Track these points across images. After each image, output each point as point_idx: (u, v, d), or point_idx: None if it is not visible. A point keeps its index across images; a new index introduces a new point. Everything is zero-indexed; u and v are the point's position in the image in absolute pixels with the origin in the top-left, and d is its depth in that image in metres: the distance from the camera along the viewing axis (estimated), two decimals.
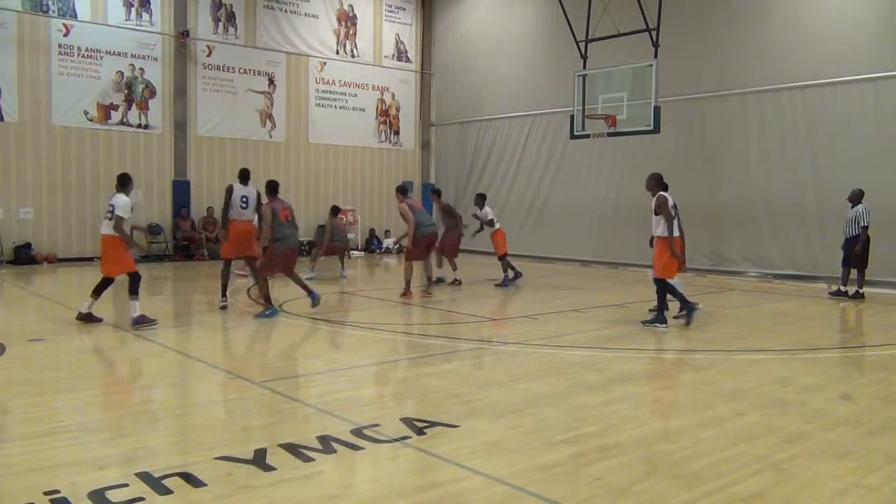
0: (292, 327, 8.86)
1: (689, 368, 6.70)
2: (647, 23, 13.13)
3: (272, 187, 9.60)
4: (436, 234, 11.81)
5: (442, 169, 22.23)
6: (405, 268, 11.34)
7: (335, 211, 14.13)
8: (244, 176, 9.88)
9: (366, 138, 20.97)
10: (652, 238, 8.88)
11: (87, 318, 8.54)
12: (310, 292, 9.49)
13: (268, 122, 19.07)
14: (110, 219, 8.33)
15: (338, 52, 20.30)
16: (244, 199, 9.58)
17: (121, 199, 8.40)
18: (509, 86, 19.84)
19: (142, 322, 8.36)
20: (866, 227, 11.30)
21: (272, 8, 19.02)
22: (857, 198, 11.48)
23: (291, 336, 8.42)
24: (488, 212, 13.23)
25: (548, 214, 18.62)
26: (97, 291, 8.54)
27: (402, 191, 11.70)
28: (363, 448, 4.34)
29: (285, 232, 9.26)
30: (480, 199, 13.41)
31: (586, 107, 13.98)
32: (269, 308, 9.13)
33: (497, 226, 13.20)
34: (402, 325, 9.33)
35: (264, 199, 9.57)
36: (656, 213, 8.64)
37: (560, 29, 16.09)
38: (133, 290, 8.42)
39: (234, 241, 9.58)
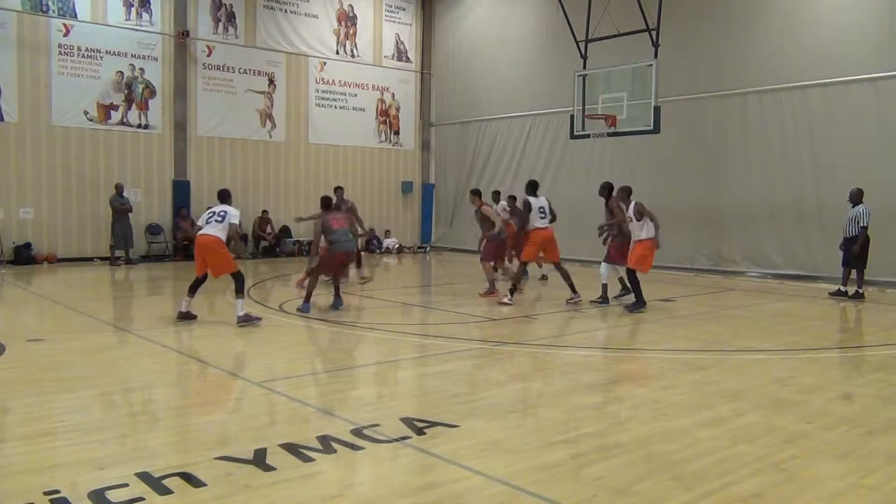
0: (292, 327, 8.86)
1: (689, 368, 6.70)
2: (647, 23, 13.12)
3: (325, 202, 10.38)
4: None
5: (442, 169, 22.23)
6: (486, 268, 11.76)
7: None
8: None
9: (366, 138, 20.97)
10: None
11: (186, 317, 8.77)
12: (337, 295, 9.94)
13: (268, 122, 19.07)
14: (220, 221, 8.56)
15: (338, 52, 20.30)
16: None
17: (234, 209, 8.78)
18: (509, 86, 19.84)
19: (247, 320, 8.50)
20: (865, 228, 11.29)
21: (272, 8, 19.02)
22: (856, 197, 11.47)
23: (291, 336, 8.42)
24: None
25: None
26: (192, 290, 8.81)
27: (478, 193, 12.14)
28: (363, 448, 4.34)
29: (338, 238, 9.74)
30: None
31: (586, 107, 13.97)
32: (305, 305, 9.59)
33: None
34: (401, 325, 9.33)
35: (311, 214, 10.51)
36: (637, 219, 9.77)
37: (560, 29, 16.09)
38: (239, 290, 8.65)
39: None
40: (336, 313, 9.56)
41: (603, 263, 10.88)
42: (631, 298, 10.24)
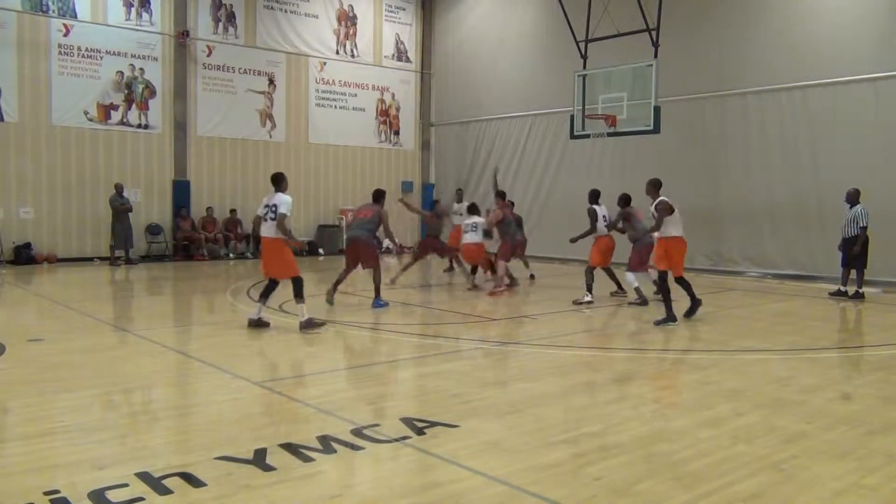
0: (292, 327, 8.86)
1: (689, 368, 6.70)
2: (647, 23, 13.13)
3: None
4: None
5: (442, 169, 22.23)
6: (500, 266, 11.92)
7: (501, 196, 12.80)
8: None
9: (366, 138, 20.97)
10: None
11: (259, 324, 8.34)
12: (335, 289, 10.24)
13: (268, 122, 19.07)
14: (273, 219, 8.12)
15: (338, 52, 20.30)
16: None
17: (285, 197, 8.22)
18: (509, 86, 19.84)
19: (310, 326, 8.16)
20: (865, 228, 11.29)
21: (272, 8, 19.02)
22: (853, 198, 11.45)
23: (291, 336, 8.41)
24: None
25: (548, 214, 18.61)
26: (265, 295, 8.41)
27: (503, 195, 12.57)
28: (363, 448, 4.34)
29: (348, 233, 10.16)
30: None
31: (586, 107, 13.98)
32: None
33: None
34: (401, 325, 9.32)
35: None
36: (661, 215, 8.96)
37: (560, 29, 16.09)
38: (298, 294, 8.23)
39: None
40: (327, 309, 9.57)
41: (628, 273, 10.60)
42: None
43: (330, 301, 10.05)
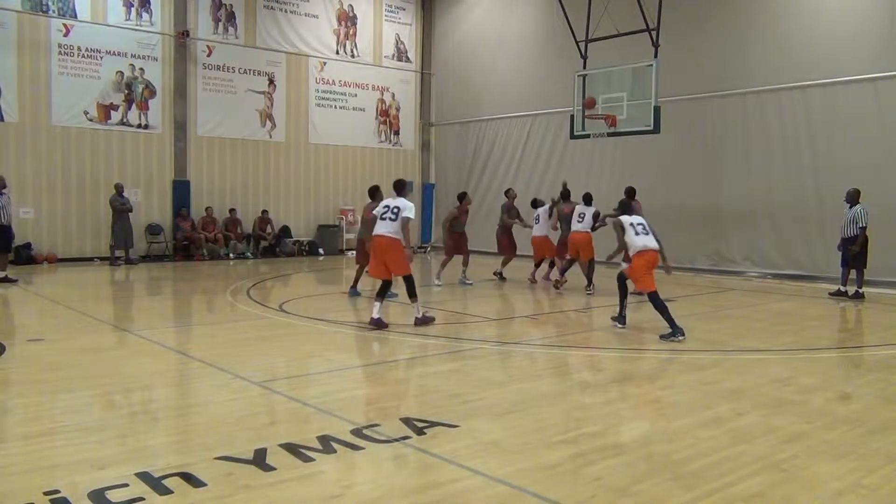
0: (292, 327, 8.86)
1: (689, 368, 6.70)
2: (647, 23, 13.12)
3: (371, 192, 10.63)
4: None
5: (442, 169, 22.23)
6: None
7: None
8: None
9: (366, 138, 20.97)
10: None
11: (379, 324, 8.39)
12: (353, 287, 10.96)
13: (268, 122, 19.07)
14: (393, 219, 8.29)
15: (338, 52, 20.30)
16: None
17: (409, 203, 8.44)
18: (509, 86, 19.84)
19: (425, 322, 8.50)
20: (864, 228, 11.28)
21: (272, 8, 19.02)
22: (853, 198, 11.46)
23: (291, 336, 8.41)
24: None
25: None
26: (381, 295, 8.56)
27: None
28: (363, 448, 4.34)
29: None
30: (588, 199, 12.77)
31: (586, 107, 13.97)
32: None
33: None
34: (401, 325, 9.32)
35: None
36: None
37: (560, 29, 16.09)
38: (412, 293, 8.47)
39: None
40: (326, 310, 9.57)
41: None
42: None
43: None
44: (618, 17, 13.81)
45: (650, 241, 8.24)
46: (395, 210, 8.31)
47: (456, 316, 9.80)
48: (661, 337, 7.93)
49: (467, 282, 12.86)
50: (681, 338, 7.81)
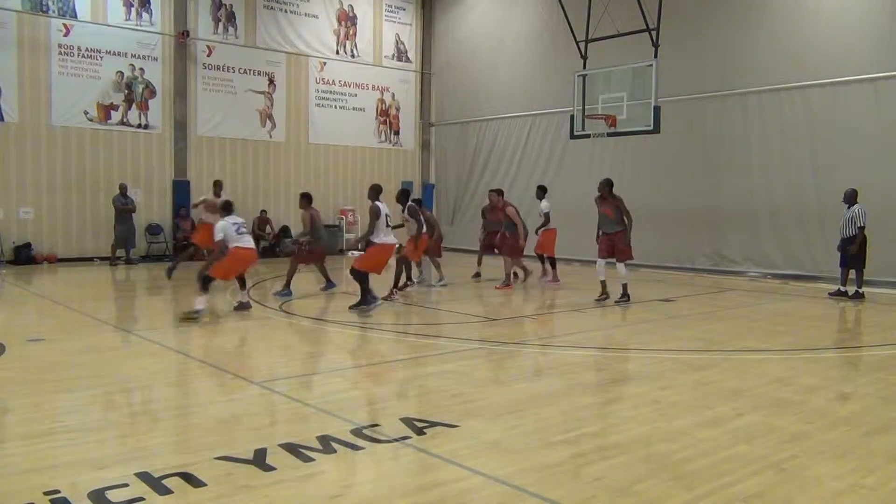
0: (292, 327, 8.87)
1: (689, 368, 6.70)
2: (647, 23, 13.12)
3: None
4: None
5: (442, 169, 22.22)
6: (507, 263, 12.59)
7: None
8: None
9: (366, 138, 20.96)
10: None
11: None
12: (328, 281, 11.56)
13: (268, 122, 19.07)
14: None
15: (338, 52, 20.29)
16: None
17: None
18: (509, 86, 19.83)
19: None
20: (862, 228, 11.27)
21: (272, 8, 19.02)
22: (851, 198, 11.44)
23: (291, 336, 8.42)
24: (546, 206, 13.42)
25: None
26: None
27: (501, 193, 13.35)
28: (363, 448, 4.34)
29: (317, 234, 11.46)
30: (541, 192, 13.62)
31: (586, 107, 13.95)
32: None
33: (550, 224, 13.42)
34: (401, 325, 9.33)
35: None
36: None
37: (560, 29, 16.09)
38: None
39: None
40: (327, 309, 9.57)
41: (619, 264, 10.77)
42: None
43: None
44: (618, 18, 13.81)
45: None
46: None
47: (456, 316, 9.80)
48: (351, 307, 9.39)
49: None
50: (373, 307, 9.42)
